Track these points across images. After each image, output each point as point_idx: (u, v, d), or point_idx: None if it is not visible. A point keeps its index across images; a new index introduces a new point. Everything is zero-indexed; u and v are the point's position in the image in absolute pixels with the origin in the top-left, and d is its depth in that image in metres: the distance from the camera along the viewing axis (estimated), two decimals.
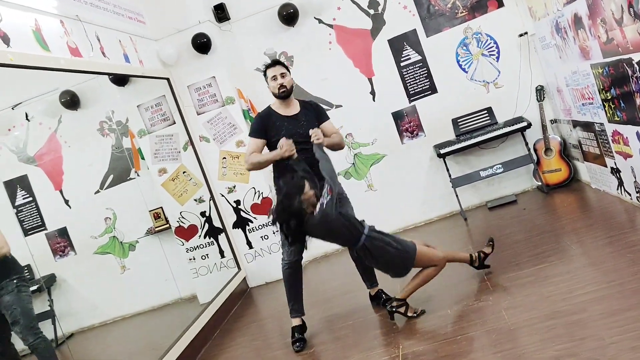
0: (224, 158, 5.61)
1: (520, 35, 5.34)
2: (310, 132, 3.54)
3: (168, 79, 5.48)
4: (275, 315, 4.60)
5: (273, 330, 4.33)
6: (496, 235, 4.60)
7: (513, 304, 3.23)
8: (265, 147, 3.76)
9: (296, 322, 3.84)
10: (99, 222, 6.10)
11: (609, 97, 3.88)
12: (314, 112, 3.81)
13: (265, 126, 3.72)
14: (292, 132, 3.66)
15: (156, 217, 5.95)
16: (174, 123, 5.57)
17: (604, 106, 4.04)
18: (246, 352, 4.01)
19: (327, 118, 3.87)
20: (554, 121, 5.45)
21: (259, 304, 5.20)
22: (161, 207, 5.89)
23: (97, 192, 6.06)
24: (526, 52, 5.40)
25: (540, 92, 5.35)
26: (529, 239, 4.21)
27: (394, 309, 3.53)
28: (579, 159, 5.13)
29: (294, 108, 3.79)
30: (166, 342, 4.11)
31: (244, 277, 5.68)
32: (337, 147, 3.79)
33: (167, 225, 5.85)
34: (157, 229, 5.95)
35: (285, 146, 3.53)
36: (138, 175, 5.94)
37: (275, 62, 3.78)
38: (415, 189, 5.76)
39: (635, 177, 3.92)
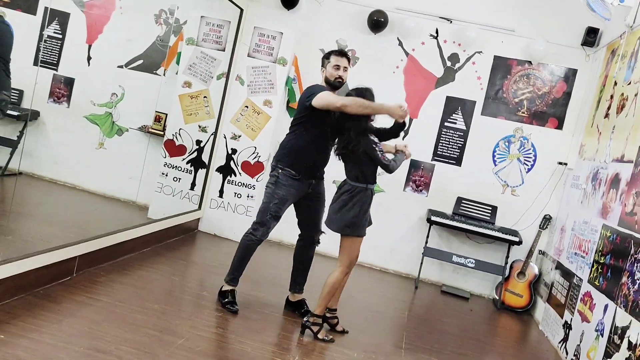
0: (246, 107, 5.61)
1: (560, 163, 5.39)
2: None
3: (242, 10, 5.48)
4: (206, 267, 4.62)
5: (195, 277, 4.34)
6: (435, 317, 4.65)
7: None
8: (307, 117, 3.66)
9: (228, 288, 3.82)
10: (105, 92, 6.09)
11: (602, 261, 3.92)
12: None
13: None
14: (331, 121, 3.64)
15: (157, 119, 5.94)
16: (223, 50, 5.57)
17: (593, 266, 4.08)
18: (161, 280, 4.02)
19: None
20: (541, 252, 5.50)
21: (197, 249, 5.21)
22: (166, 114, 5.89)
23: (120, 67, 6.05)
24: (555, 180, 5.45)
25: (546, 221, 5.40)
26: (461, 338, 4.24)
27: (308, 324, 3.55)
28: (543, 296, 5.17)
29: None
30: (97, 230, 4.11)
31: (199, 218, 5.68)
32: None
33: (162, 132, 5.84)
34: (150, 130, 5.95)
35: (402, 111, 3.49)
36: (164, 74, 5.94)
37: (344, 54, 3.78)
38: (391, 236, 5.78)
39: (580, 341, 3.96)
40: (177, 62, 5.63)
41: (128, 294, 3.59)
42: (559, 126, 5.50)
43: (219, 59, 5.58)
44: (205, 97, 5.63)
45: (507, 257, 5.43)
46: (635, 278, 3.32)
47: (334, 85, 3.72)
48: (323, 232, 3.88)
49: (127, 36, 6.02)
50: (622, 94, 4.35)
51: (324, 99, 3.50)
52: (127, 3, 5.90)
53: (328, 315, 3.70)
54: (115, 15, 5.90)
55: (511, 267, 5.45)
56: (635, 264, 3.37)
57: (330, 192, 3.79)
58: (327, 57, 3.78)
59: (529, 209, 5.54)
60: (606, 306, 3.66)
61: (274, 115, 5.57)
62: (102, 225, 5.14)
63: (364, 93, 3.50)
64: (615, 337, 3.40)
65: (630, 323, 3.26)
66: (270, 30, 5.53)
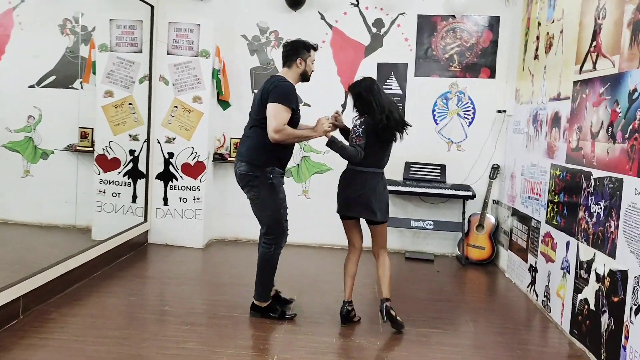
0: (176, 107, 5.35)
1: (499, 111, 5.42)
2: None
3: (153, 7, 5.19)
4: (163, 280, 4.39)
5: (153, 292, 4.11)
6: (404, 286, 4.61)
7: (395, 356, 3.20)
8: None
9: (268, 303, 3.67)
10: (20, 116, 5.68)
11: (556, 200, 3.96)
12: None
13: (296, 100, 3.53)
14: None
15: (83, 135, 5.60)
16: (140, 52, 5.27)
17: (548, 206, 4.12)
18: (117, 303, 3.78)
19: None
20: (495, 202, 5.55)
21: (150, 263, 4.96)
22: (92, 129, 5.55)
23: (32, 86, 5.65)
24: (497, 129, 5.49)
25: (495, 170, 5.44)
26: (433, 302, 4.21)
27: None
28: (504, 245, 5.23)
29: None
30: (41, 263, 3.82)
31: (147, 231, 5.41)
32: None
33: (91, 148, 5.51)
34: (78, 148, 5.60)
35: (326, 126, 3.50)
36: (82, 87, 5.58)
37: (317, 48, 3.69)
38: None
39: (548, 282, 4.00)
40: (94, 72, 5.28)
41: (84, 325, 3.35)
42: (492, 75, 5.52)
43: (138, 62, 5.28)
44: (130, 104, 5.33)
45: (464, 212, 5.45)
46: (592, 211, 3.35)
47: (307, 80, 3.68)
48: None
49: (33, 52, 5.61)
50: (548, 33, 4.38)
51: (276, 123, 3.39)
52: (26, 17, 5.48)
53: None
54: (16, 32, 5.47)
55: (469, 221, 5.49)
56: (589, 197, 3.40)
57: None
58: (307, 49, 3.58)
59: (476, 162, 5.57)
60: (568, 243, 3.70)
61: (206, 110, 5.34)
62: (43, 257, 4.79)
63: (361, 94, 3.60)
64: (582, 271, 3.44)
65: (594, 256, 3.29)
66: (186, 24, 5.26)
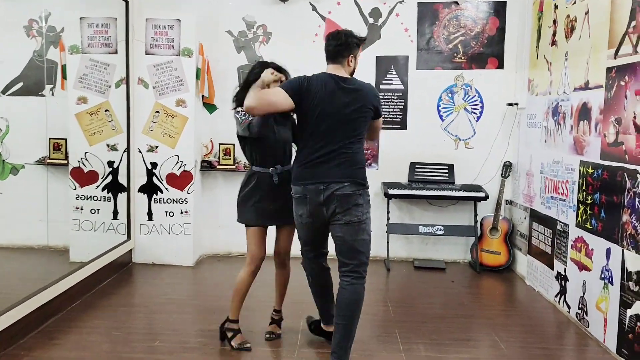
0: (157, 112, 4.85)
1: (510, 104, 5.00)
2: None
3: (127, 3, 4.69)
4: (151, 308, 3.89)
5: (141, 324, 3.60)
6: (417, 300, 4.18)
7: None
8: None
9: (328, 328, 3.21)
10: None
11: (589, 201, 3.54)
12: None
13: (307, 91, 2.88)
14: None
15: (55, 147, 5.08)
16: (116, 53, 4.76)
17: (578, 208, 3.71)
18: (100, 341, 3.27)
19: None
20: (508, 202, 5.15)
21: (136, 286, 4.46)
22: (65, 139, 5.03)
23: None
24: (509, 123, 5.07)
25: (507, 168, 5.03)
26: (454, 319, 3.78)
27: (223, 329, 3.22)
28: (522, 249, 4.82)
29: None
30: (12, 295, 3.32)
31: (131, 249, 4.91)
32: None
33: (65, 161, 4.99)
34: (51, 161, 5.07)
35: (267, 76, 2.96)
36: (52, 94, 5.06)
37: None
38: None
39: (584, 293, 3.59)
40: (65, 77, 4.77)
41: None
42: (500, 65, 5.10)
43: (113, 64, 4.77)
44: (107, 110, 4.82)
45: (475, 215, 5.03)
46: None
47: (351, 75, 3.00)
48: None
49: None
50: (568, 16, 3.96)
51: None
52: None
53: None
54: None
55: (481, 225, 5.07)
56: (636, 199, 2.99)
57: None
58: (358, 45, 2.96)
59: (487, 160, 5.15)
60: (608, 250, 3.29)
61: (191, 115, 4.85)
62: (15, 286, 4.30)
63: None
64: (631, 283, 3.02)
65: None
66: (165, 20, 4.77)
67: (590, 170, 3.54)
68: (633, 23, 3.05)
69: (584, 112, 3.67)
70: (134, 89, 4.79)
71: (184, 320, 3.64)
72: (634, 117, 3.02)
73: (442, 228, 5.07)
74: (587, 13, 3.67)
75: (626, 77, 3.12)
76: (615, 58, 3.25)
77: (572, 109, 3.86)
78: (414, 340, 3.35)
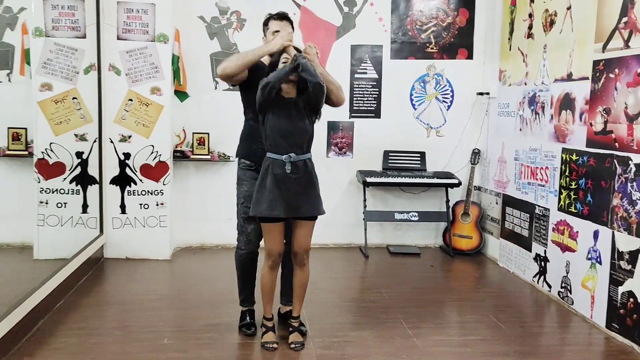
0: (130, 100, 4.62)
1: (480, 94, 5.19)
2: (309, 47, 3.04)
3: None
4: (143, 304, 3.73)
5: (141, 321, 3.42)
6: (403, 287, 4.27)
7: None
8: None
9: (245, 308, 3.32)
10: None
11: (573, 186, 3.77)
12: None
13: (253, 75, 3.02)
14: None
15: (15, 137, 4.72)
16: (84, 37, 4.48)
17: (560, 192, 3.93)
18: (103, 342, 3.10)
19: None
20: (477, 188, 5.36)
21: (112, 282, 4.26)
22: (25, 129, 4.69)
23: None
24: (478, 112, 5.27)
25: (476, 155, 5.23)
26: (449, 302, 3.93)
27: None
28: (493, 233, 5.05)
29: None
30: None
31: (103, 245, 4.68)
32: (333, 93, 3.08)
33: (27, 152, 4.65)
34: (9, 152, 4.72)
35: (285, 37, 2.96)
36: (9, 80, 4.70)
37: (283, 17, 3.13)
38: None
39: (567, 272, 3.83)
40: (28, 62, 4.43)
41: None
42: (469, 56, 5.28)
43: (82, 49, 4.49)
44: (74, 98, 4.53)
45: (447, 201, 5.21)
46: (634, 198, 3.16)
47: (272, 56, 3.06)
48: None
49: None
50: (547, 10, 4.16)
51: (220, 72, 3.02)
52: None
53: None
54: None
55: (453, 210, 5.25)
56: (629, 184, 3.22)
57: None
58: (265, 23, 3.16)
59: (457, 147, 5.33)
60: (596, 232, 3.52)
61: (167, 103, 4.66)
62: None
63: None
64: (622, 262, 3.26)
65: None
66: (139, 3, 4.53)
67: (574, 157, 3.76)
68: (624, 19, 3.26)
69: (566, 102, 3.88)
70: (105, 75, 4.54)
71: (184, 315, 3.53)
72: (625, 107, 3.24)
73: (416, 214, 5.20)
74: (569, 8, 3.87)
75: (616, 69, 3.33)
76: (603, 52, 3.46)
77: (552, 99, 4.07)
78: (420, 325, 3.43)
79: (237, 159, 3.25)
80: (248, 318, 3.26)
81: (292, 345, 3.05)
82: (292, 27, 3.16)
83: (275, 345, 3.03)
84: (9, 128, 4.70)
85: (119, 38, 4.54)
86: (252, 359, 2.99)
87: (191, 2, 4.95)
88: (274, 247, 3.01)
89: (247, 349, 3.07)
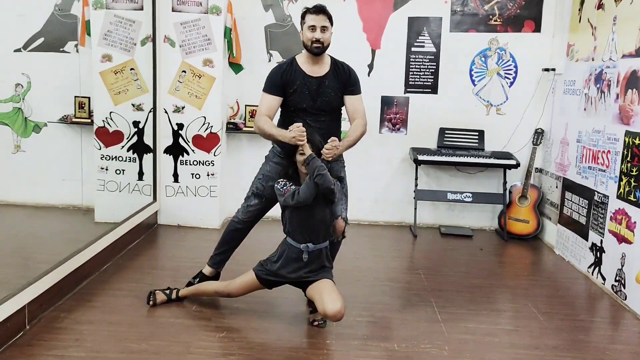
0: (184, 71, 4.73)
1: (546, 70, 4.86)
2: (326, 148, 2.87)
3: None
4: (181, 271, 3.85)
5: (168, 284, 3.56)
6: (448, 268, 4.16)
7: None
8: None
9: (209, 271, 3.44)
10: (7, 85, 5.08)
11: (634, 173, 3.46)
12: (343, 79, 3.13)
13: (285, 82, 3.04)
14: (312, 97, 3.06)
15: (80, 105, 4.98)
16: (142, 9, 4.61)
17: (620, 179, 3.63)
18: (136, 304, 3.23)
19: (358, 92, 3.19)
20: (538, 170, 5.06)
21: (163, 249, 4.44)
22: (89, 98, 4.94)
23: (18, 50, 5.01)
24: (543, 90, 4.94)
25: (539, 135, 4.92)
26: (488, 289, 3.76)
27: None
28: (551, 218, 4.76)
29: (322, 67, 3.10)
30: (46, 256, 3.30)
31: (157, 211, 4.87)
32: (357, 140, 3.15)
33: (90, 120, 4.91)
34: (75, 120, 5.00)
35: (295, 132, 2.85)
36: (77, 50, 4.94)
37: (320, 10, 3.00)
38: (373, 184, 5.19)
39: (622, 265, 3.55)
40: (89, 34, 4.63)
41: (101, 336, 2.84)
42: (537, 29, 4.93)
43: (139, 21, 4.63)
44: (132, 69, 4.70)
45: (505, 183, 4.96)
46: None
47: (312, 51, 3.03)
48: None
49: (18, 11, 4.95)
50: None
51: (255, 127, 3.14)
52: None
53: None
54: None
55: (510, 192, 5.00)
56: None
57: None
58: (302, 16, 3.05)
59: (518, 127, 5.04)
60: None
61: (219, 75, 4.73)
62: (45, 247, 4.29)
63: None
64: None
65: None
66: None
67: (637, 141, 3.44)
68: None
69: (633, 80, 3.54)
70: (160, 47, 4.66)
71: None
72: None
73: (470, 195, 5.00)
74: None
75: None
76: None
77: (618, 76, 3.73)
78: (451, 310, 3.32)
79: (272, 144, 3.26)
80: (198, 281, 3.39)
81: (315, 323, 3.05)
82: (331, 21, 3.05)
83: (323, 322, 3.04)
84: (75, 97, 4.97)
85: (173, 10, 4.63)
86: (271, 328, 3.01)
87: None
88: (239, 293, 3.11)
89: (265, 320, 3.10)
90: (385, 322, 3.13)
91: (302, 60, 3.10)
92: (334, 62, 3.16)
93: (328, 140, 2.91)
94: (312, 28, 2.99)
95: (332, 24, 3.07)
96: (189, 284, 3.41)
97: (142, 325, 3.01)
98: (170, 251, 4.37)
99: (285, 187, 2.90)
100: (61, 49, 5.00)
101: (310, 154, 2.83)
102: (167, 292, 3.29)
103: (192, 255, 4.20)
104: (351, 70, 3.19)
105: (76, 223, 4.97)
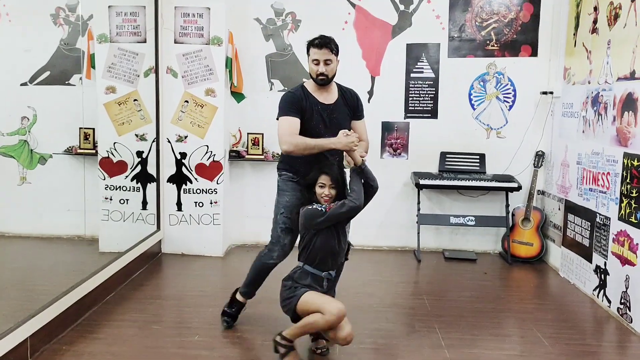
0: (186, 101, 4.80)
1: (544, 93, 4.90)
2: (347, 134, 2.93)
3: None
4: (184, 300, 3.87)
5: (175, 317, 3.56)
6: (452, 293, 4.14)
7: None
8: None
9: (242, 299, 3.43)
10: (13, 118, 5.14)
11: (634, 194, 3.46)
12: (352, 105, 3.22)
13: (302, 108, 3.07)
14: (325, 124, 3.11)
15: (85, 137, 5.05)
16: (145, 42, 4.71)
17: (621, 201, 3.63)
18: (139, 335, 3.25)
19: (363, 117, 3.29)
20: (540, 192, 5.06)
21: (167, 278, 4.45)
22: (93, 129, 5.01)
23: (24, 84, 5.09)
24: (542, 112, 4.97)
25: (540, 158, 4.94)
26: (493, 313, 3.73)
27: (277, 343, 2.90)
28: (555, 240, 4.75)
29: (331, 95, 3.16)
30: (49, 287, 3.32)
31: (160, 240, 4.90)
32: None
33: (94, 151, 4.97)
34: (80, 151, 5.06)
35: (348, 138, 2.89)
36: (82, 83, 5.02)
37: (323, 44, 3.02)
38: (375, 210, 5.14)
39: (627, 288, 3.53)
40: (93, 67, 4.72)
41: None
42: (534, 53, 4.99)
43: (142, 53, 4.72)
44: (135, 100, 4.78)
45: (507, 205, 4.96)
46: None
47: (317, 82, 3.09)
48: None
49: (24, 46, 5.05)
50: (612, 3, 3.85)
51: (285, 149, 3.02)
52: (14, 7, 4.89)
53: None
54: (3, 24, 4.89)
55: (513, 215, 5.00)
56: None
57: None
58: (307, 49, 3.10)
59: (519, 150, 5.06)
60: None
61: (221, 104, 4.79)
62: (49, 278, 4.31)
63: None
64: None
65: None
66: (194, 8, 4.69)
67: (635, 163, 3.46)
68: None
69: (629, 102, 3.57)
70: (163, 78, 4.74)
71: (219, 314, 3.61)
72: None
73: (473, 219, 5.01)
74: (633, 0, 3.55)
75: None
76: None
77: (614, 99, 3.76)
78: (455, 336, 3.31)
79: (278, 170, 3.25)
80: (235, 310, 3.39)
81: (318, 351, 3.04)
82: (336, 51, 3.08)
83: None
84: (80, 128, 5.05)
85: (176, 42, 4.72)
86: (274, 357, 3.00)
87: (247, 5, 5.05)
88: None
89: (267, 349, 3.09)
90: (389, 349, 3.12)
91: (311, 88, 3.13)
92: (340, 88, 3.22)
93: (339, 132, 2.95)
94: (316, 62, 3.03)
95: (337, 54, 3.10)
96: (224, 312, 3.40)
97: (144, 356, 3.01)
98: (174, 280, 4.38)
99: (323, 207, 2.83)
100: (66, 82, 5.09)
101: (363, 158, 2.94)
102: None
103: (196, 284, 4.21)
104: (358, 96, 3.27)
105: (81, 253, 4.98)
